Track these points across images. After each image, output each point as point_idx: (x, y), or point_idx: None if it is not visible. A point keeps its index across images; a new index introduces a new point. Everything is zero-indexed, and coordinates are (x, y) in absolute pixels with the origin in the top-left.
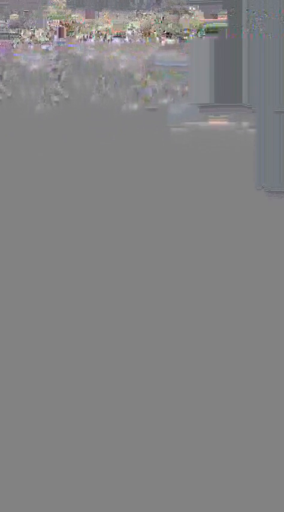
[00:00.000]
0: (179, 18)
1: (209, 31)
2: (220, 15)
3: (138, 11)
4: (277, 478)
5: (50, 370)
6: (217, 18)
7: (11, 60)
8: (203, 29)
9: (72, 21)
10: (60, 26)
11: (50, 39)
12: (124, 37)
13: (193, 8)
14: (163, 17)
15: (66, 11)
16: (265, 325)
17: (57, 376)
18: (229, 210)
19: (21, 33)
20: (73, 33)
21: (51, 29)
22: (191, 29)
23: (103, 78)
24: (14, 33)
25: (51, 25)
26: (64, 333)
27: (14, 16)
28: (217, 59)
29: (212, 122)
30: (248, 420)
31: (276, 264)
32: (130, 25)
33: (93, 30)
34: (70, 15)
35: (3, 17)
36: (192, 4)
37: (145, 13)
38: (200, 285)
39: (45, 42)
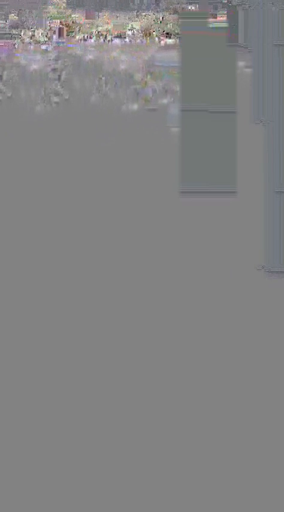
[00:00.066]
0: (179, 18)
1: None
2: (219, 15)
3: (138, 11)
4: (277, 479)
5: (49, 370)
6: (216, 18)
7: (12, 61)
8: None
9: (72, 21)
10: (60, 26)
11: (49, 39)
12: (125, 37)
13: (193, 8)
14: (162, 17)
15: (66, 11)
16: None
17: (56, 376)
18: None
19: (21, 34)
20: (73, 34)
21: (51, 29)
22: None
23: (103, 78)
24: (14, 34)
25: (51, 25)
26: (61, 329)
27: (13, 16)
28: None
29: None
30: (247, 421)
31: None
32: (130, 26)
33: (94, 30)
34: (70, 15)
35: (3, 17)
36: (191, 4)
37: (144, 13)
38: (199, 285)
39: (45, 42)
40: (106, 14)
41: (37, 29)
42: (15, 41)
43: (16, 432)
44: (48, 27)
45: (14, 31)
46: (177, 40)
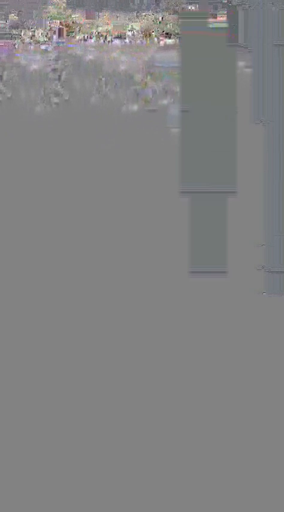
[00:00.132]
0: (179, 18)
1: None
2: (220, 15)
3: (137, 12)
4: (277, 480)
5: (49, 370)
6: (216, 18)
7: (12, 61)
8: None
9: (72, 22)
10: (60, 26)
11: (49, 39)
12: (125, 38)
13: (193, 8)
14: (162, 18)
15: (66, 12)
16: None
17: (56, 377)
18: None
19: (22, 34)
20: (73, 34)
21: (51, 29)
22: None
23: (103, 79)
24: (14, 34)
25: (52, 25)
26: (60, 329)
27: (13, 16)
28: None
29: None
30: (246, 422)
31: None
32: (130, 26)
33: (94, 30)
34: (70, 15)
35: (3, 17)
36: (191, 4)
37: (144, 14)
38: (198, 285)
39: (45, 42)
40: (106, 14)
41: (37, 29)
42: (15, 41)
43: (16, 432)
44: (48, 27)
45: (14, 31)
46: (177, 40)
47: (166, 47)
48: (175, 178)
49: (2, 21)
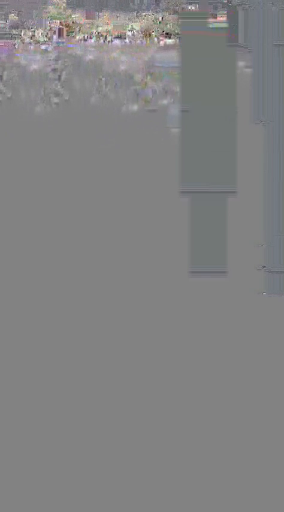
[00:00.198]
0: (178, 18)
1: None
2: (220, 15)
3: (137, 12)
4: (277, 482)
5: (49, 370)
6: (216, 18)
7: (12, 61)
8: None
9: (72, 22)
10: (60, 26)
11: (49, 39)
12: (125, 38)
13: (193, 8)
14: (162, 18)
15: (66, 12)
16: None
17: (56, 376)
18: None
19: (22, 34)
20: (73, 34)
21: (51, 29)
22: None
23: (103, 79)
24: (14, 34)
25: (52, 25)
26: (60, 329)
27: (13, 16)
28: None
29: None
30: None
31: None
32: (130, 26)
33: (94, 31)
34: (70, 15)
35: (3, 17)
36: (191, 4)
37: (144, 14)
38: (198, 284)
39: (45, 42)
40: (106, 14)
41: (37, 29)
42: (15, 41)
43: (16, 432)
44: (48, 27)
45: (14, 31)
46: (177, 40)
47: (166, 47)
48: (175, 178)
49: (2, 21)
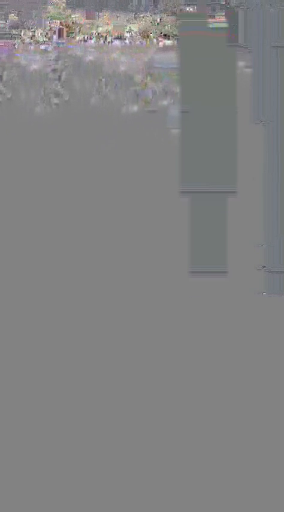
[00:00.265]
0: (177, 19)
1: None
2: (218, 17)
3: (136, 13)
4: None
5: (48, 370)
6: (214, 18)
7: (12, 61)
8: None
9: (72, 22)
10: (60, 26)
11: (49, 39)
12: (125, 39)
13: (191, 9)
14: (160, 19)
15: (66, 12)
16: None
17: (55, 377)
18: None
19: (22, 34)
20: (73, 34)
21: (51, 29)
22: None
23: (103, 79)
24: (14, 34)
25: (52, 25)
26: (60, 329)
27: (13, 16)
28: None
29: None
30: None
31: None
32: (128, 28)
33: (94, 31)
34: (70, 15)
35: (3, 17)
36: (189, 6)
37: (142, 15)
38: (199, 283)
39: (45, 42)
40: (106, 14)
41: (37, 29)
42: (15, 41)
43: (16, 432)
44: (48, 27)
45: (14, 31)
46: (175, 41)
47: (165, 48)
48: (175, 179)
49: (2, 21)
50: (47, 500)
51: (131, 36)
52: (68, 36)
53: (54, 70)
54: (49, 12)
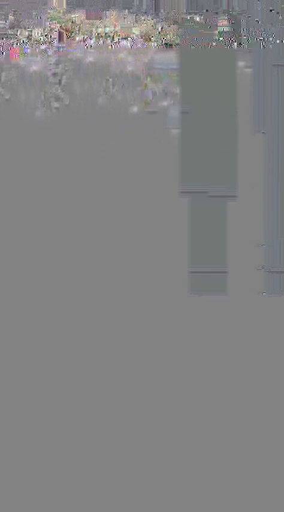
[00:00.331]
0: (178, 28)
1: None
2: (220, 20)
3: (136, 15)
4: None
5: (47, 379)
6: (218, 24)
7: (10, 61)
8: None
9: (72, 22)
10: (60, 30)
11: (49, 42)
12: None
13: (194, 17)
14: (161, 28)
15: (66, 15)
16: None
17: (54, 387)
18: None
19: (18, 33)
20: (73, 35)
21: (51, 30)
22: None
23: (110, 79)
24: (10, 34)
25: (52, 26)
26: (58, 335)
27: (10, 17)
28: None
29: None
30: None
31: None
32: (129, 31)
33: (93, 30)
34: (70, 19)
35: (3, 17)
36: (191, 14)
37: (143, 18)
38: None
39: (44, 42)
40: (113, 14)
41: (34, 28)
42: (12, 40)
43: (15, 432)
44: (48, 28)
45: (10, 31)
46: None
47: (165, 49)
48: (175, 179)
49: (1, 21)
50: (47, 500)
51: (132, 39)
52: (68, 38)
53: (54, 74)
54: (49, 14)
